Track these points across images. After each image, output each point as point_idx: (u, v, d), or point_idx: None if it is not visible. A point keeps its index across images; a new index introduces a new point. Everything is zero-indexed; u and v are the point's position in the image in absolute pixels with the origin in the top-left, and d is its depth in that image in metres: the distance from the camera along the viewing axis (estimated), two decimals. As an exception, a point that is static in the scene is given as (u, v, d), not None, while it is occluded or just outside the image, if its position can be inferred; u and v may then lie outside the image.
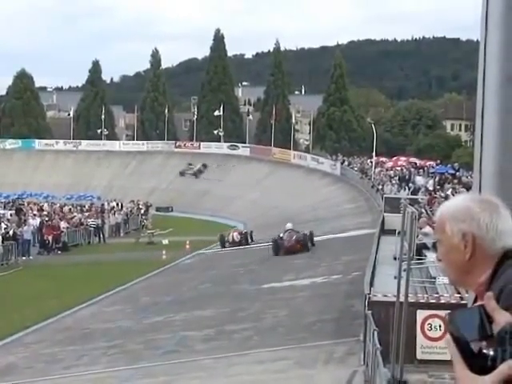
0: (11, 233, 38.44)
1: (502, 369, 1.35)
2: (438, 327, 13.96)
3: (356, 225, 41.18)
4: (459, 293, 14.83)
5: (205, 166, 75.21)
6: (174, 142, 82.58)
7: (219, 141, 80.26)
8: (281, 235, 34.87)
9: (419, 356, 14.34)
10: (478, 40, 3.75)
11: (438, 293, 16.88)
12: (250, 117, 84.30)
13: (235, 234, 41.36)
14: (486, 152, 3.57)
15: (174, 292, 26.84)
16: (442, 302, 15.01)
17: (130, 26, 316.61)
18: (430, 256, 20.42)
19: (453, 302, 14.63)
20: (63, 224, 43.88)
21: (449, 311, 1.73)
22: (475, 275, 2.20)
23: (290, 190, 61.47)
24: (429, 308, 14.75)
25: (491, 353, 1.47)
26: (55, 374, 16.64)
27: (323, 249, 34.63)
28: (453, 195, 37.16)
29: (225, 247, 40.18)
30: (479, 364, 1.45)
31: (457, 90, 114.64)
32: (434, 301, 15.46)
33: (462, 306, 2.39)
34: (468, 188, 37.73)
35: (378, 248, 24.67)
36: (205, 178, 72.86)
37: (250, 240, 40.89)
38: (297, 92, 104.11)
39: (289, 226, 35.95)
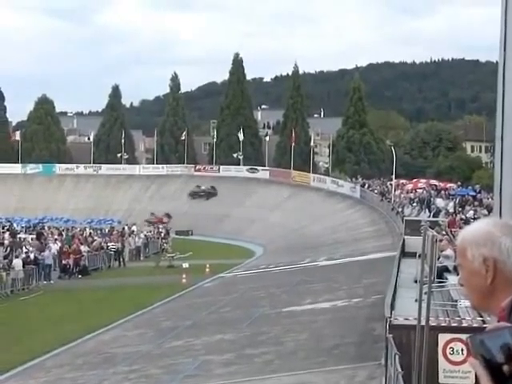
0: (32, 257, 38.63)
1: None
2: (460, 351, 13.83)
3: (376, 247, 41.05)
4: (481, 316, 14.71)
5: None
6: (193, 165, 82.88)
7: (239, 164, 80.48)
8: None
9: (441, 380, 14.19)
10: (497, 61, 3.76)
11: (459, 316, 16.73)
12: (267, 138, 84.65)
13: None
14: (506, 175, 3.57)
15: (194, 316, 26.82)
16: (464, 325, 14.88)
17: (149, 50, 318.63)
18: (452, 279, 20.26)
19: (475, 325, 14.51)
20: (83, 248, 44.06)
21: (471, 334, 1.71)
22: (497, 300, 2.20)
23: (310, 212, 61.45)
24: (451, 331, 14.62)
25: None
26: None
27: (343, 272, 34.53)
28: (474, 217, 36.99)
29: None
30: None
31: (477, 112, 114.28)
32: (455, 324, 15.34)
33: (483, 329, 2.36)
34: (490, 210, 37.55)
35: (398, 271, 24.54)
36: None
37: None
38: (316, 115, 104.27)
39: None
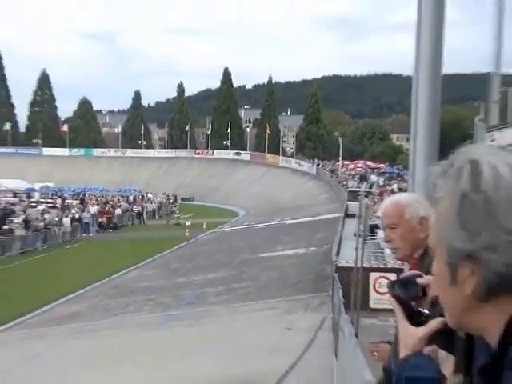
0: (77, 216, 38.43)
1: (432, 323, 1.37)
2: (385, 285, 13.96)
3: (327, 210, 41.15)
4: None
5: None
6: (194, 150, 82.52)
7: (227, 149, 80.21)
8: None
9: (371, 306, 14.39)
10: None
11: (385, 260, 16.92)
12: (248, 130, 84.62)
13: None
14: (418, 165, 3.62)
15: (194, 260, 26.84)
16: (389, 266, 15.06)
17: (161, 64, 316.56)
18: (380, 233, 20.44)
19: (396, 266, 14.67)
20: (117, 210, 43.83)
21: (391, 279, 1.73)
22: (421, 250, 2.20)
23: (279, 185, 61.45)
24: (379, 271, 14.80)
25: (426, 311, 1.48)
26: (109, 318, 16.66)
27: (303, 228, 34.60)
28: (398, 189, 37.16)
29: None
30: (417, 319, 1.45)
31: (401, 112, 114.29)
32: (382, 266, 15.51)
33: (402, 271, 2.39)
34: (408, 183, 37.57)
35: (343, 227, 24.71)
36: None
37: None
38: (284, 113, 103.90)
39: None
